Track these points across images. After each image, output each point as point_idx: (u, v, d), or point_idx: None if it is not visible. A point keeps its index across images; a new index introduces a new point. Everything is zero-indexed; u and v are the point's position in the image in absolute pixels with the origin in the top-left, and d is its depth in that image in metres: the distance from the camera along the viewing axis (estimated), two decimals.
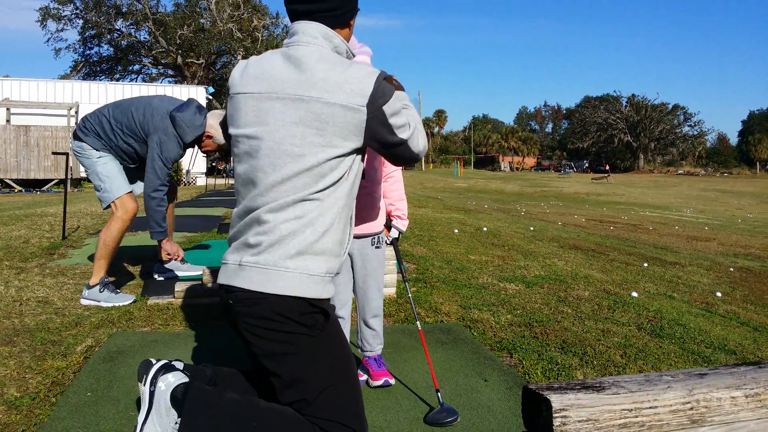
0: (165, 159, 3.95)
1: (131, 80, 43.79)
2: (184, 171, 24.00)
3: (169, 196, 4.36)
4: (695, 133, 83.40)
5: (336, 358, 1.87)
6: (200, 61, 41.04)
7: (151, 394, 1.92)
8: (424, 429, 2.45)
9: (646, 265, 7.64)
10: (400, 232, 2.97)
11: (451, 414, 2.49)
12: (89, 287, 4.08)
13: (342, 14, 1.94)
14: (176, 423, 1.87)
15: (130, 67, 45.08)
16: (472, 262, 6.27)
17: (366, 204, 2.67)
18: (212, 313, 3.91)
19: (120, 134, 4.01)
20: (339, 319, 2.74)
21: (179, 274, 4.68)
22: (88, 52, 42.36)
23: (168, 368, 1.97)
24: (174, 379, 1.92)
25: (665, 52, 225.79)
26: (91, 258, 5.55)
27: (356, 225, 2.69)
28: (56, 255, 5.63)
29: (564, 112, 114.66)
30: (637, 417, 1.10)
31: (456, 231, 8.98)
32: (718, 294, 6.17)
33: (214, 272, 4.04)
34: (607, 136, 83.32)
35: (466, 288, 4.95)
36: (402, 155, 1.94)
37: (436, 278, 5.21)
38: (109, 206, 4.13)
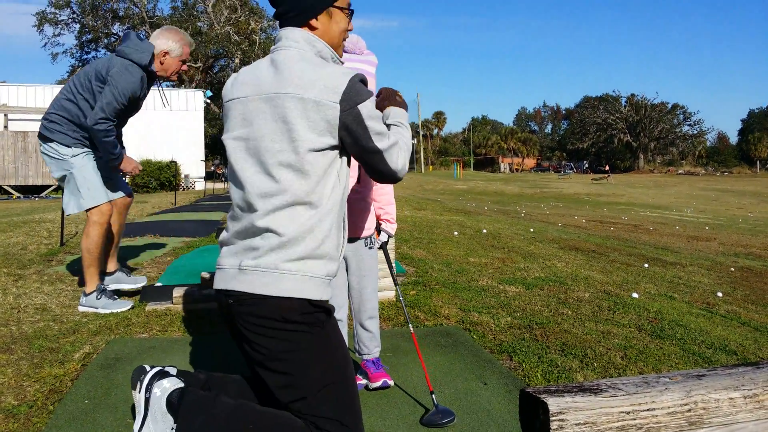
0: (119, 93, 3.74)
1: None
2: (183, 175, 24.01)
3: (118, 216, 4.25)
4: (695, 132, 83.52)
5: (335, 357, 1.88)
6: (198, 65, 41.07)
7: (147, 400, 1.93)
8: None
9: (646, 265, 7.62)
10: (389, 236, 2.97)
11: (446, 415, 2.49)
12: (86, 295, 4.06)
13: (296, 15, 1.96)
14: (172, 429, 1.88)
15: None
16: (471, 265, 6.26)
17: (360, 208, 2.73)
18: (211, 318, 3.89)
19: (88, 106, 3.86)
20: (338, 322, 2.74)
21: (122, 287, 4.39)
22: (85, 56, 42.45)
23: (162, 374, 1.98)
24: (169, 385, 1.94)
25: (664, 52, 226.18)
26: None
27: (350, 228, 2.70)
28: (54, 261, 5.62)
29: (563, 112, 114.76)
30: (634, 419, 1.09)
31: (456, 233, 8.98)
32: (719, 294, 6.16)
33: (213, 277, 4.02)
34: (607, 137, 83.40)
35: (465, 291, 4.94)
36: (378, 167, 1.91)
37: (436, 281, 5.20)
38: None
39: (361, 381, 2.82)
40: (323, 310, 1.87)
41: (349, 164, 1.97)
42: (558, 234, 10.62)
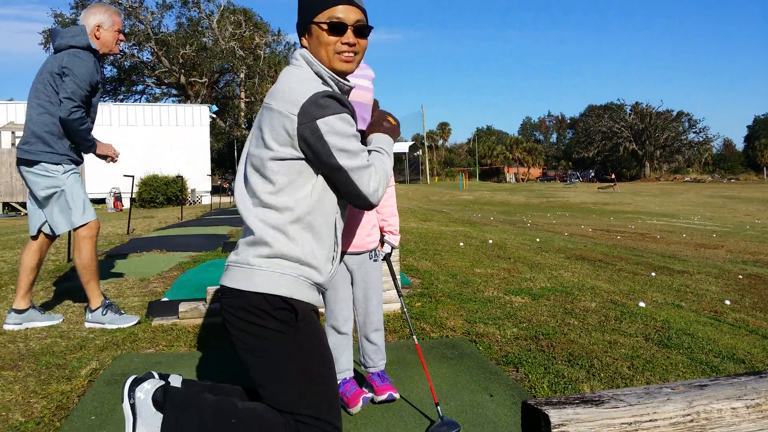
0: (80, 80, 3.76)
1: (135, 100, 44.16)
2: (189, 190, 24.10)
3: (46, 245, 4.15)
4: (701, 139, 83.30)
5: (310, 357, 1.92)
6: (203, 80, 41.30)
7: (132, 406, 1.97)
8: None
9: (653, 274, 7.59)
10: (392, 247, 2.98)
11: (452, 427, 2.49)
12: (91, 311, 4.06)
13: (298, 36, 2.05)
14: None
15: (134, 88, 45.40)
16: (477, 276, 6.25)
17: (364, 222, 2.75)
18: (217, 333, 3.90)
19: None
20: (342, 336, 2.74)
21: (36, 324, 4.07)
22: None
23: (139, 380, 2.02)
24: (150, 386, 1.99)
25: (668, 59, 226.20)
26: None
27: (355, 242, 2.72)
28: (61, 277, 5.64)
29: (568, 121, 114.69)
30: (636, 431, 1.09)
31: (461, 244, 8.97)
32: (727, 302, 6.13)
33: (219, 292, 4.03)
34: (612, 145, 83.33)
35: (471, 302, 4.93)
36: (346, 188, 1.91)
37: (441, 292, 5.19)
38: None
39: (367, 394, 2.80)
40: (296, 308, 1.90)
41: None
42: (564, 244, 10.59)
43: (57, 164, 3.92)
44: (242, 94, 44.33)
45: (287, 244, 1.89)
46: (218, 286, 3.99)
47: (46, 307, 4.54)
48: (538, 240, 10.70)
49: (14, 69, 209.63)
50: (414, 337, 2.88)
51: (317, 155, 1.85)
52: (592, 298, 5.41)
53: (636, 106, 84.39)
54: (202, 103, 34.61)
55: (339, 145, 1.83)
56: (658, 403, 1.12)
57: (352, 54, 1.98)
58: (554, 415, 1.08)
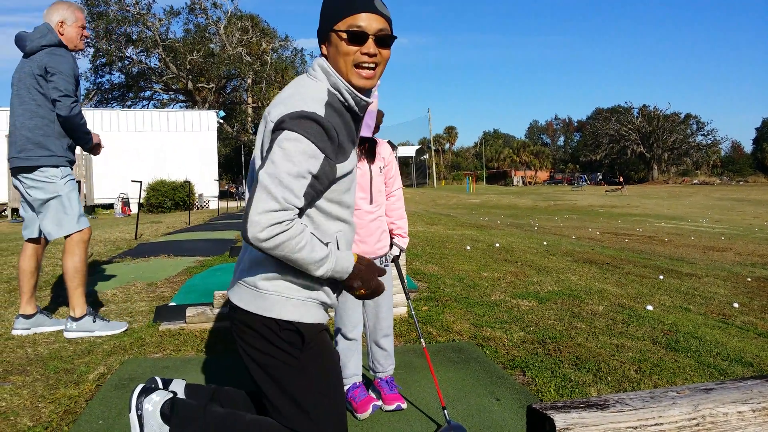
0: (66, 75, 3.78)
1: (143, 106, 44.35)
2: (197, 195, 24.19)
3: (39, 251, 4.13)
4: (709, 142, 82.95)
5: (317, 377, 1.89)
6: (210, 86, 41.49)
7: (140, 417, 1.96)
8: None
9: (661, 277, 7.56)
10: (401, 250, 2.98)
11: (459, 431, 2.49)
12: (75, 319, 3.97)
13: (319, 38, 1.90)
14: None
15: (142, 94, 45.67)
16: (484, 279, 6.24)
17: (374, 228, 2.75)
18: (224, 337, 3.91)
19: (49, 110, 3.84)
20: (351, 341, 2.73)
21: (44, 329, 4.11)
22: (99, 80, 43.01)
23: (148, 390, 2.01)
24: (159, 398, 1.98)
25: (676, 62, 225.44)
26: (104, 286, 5.59)
27: (365, 249, 2.72)
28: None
29: (575, 124, 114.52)
30: None
31: (468, 248, 8.96)
32: (735, 305, 6.09)
33: (226, 297, 4.04)
34: (620, 148, 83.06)
35: (478, 305, 4.93)
36: (249, 197, 1.73)
37: (448, 296, 5.19)
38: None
39: (377, 402, 2.80)
40: (303, 332, 1.85)
41: (324, 191, 1.84)
42: (572, 247, 10.56)
43: (56, 167, 3.89)
44: (249, 100, 44.52)
45: (293, 267, 1.81)
46: (225, 291, 4.01)
47: (53, 311, 4.56)
48: (545, 243, 10.68)
49: None
50: (422, 340, 2.88)
51: (262, 159, 1.74)
52: (599, 301, 5.39)
53: (643, 109, 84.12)
54: (209, 108, 34.77)
55: (276, 159, 1.68)
56: (664, 407, 1.11)
57: (372, 65, 1.83)
58: (559, 419, 1.07)
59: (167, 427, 1.93)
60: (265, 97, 41.25)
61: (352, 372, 2.77)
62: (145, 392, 2.01)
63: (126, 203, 22.04)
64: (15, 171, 3.92)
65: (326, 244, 1.82)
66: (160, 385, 2.09)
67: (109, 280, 5.93)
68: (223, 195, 29.22)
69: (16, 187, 4.00)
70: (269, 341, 1.85)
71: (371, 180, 2.74)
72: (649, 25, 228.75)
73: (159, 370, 3.34)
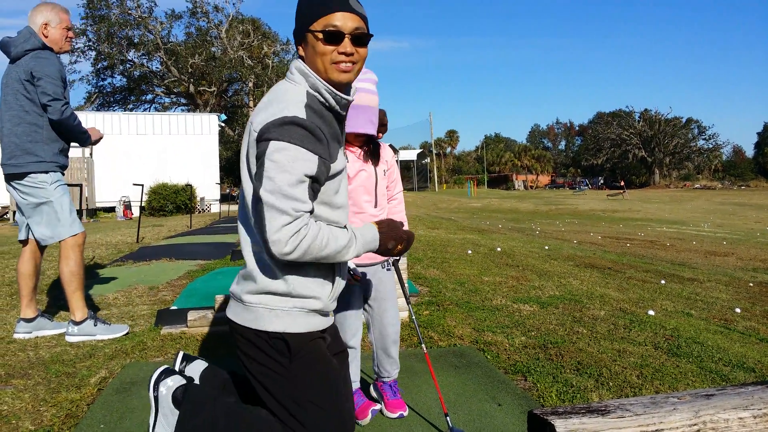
0: (53, 78, 3.75)
1: (144, 110, 44.42)
2: (198, 198, 24.20)
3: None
4: (710, 146, 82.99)
5: (309, 385, 1.90)
6: (212, 89, 41.53)
7: (155, 399, 2.09)
8: None
9: (663, 282, 7.55)
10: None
11: None
12: (76, 323, 3.97)
13: (296, 45, 1.92)
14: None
15: (143, 97, 45.72)
16: (485, 284, 6.24)
17: None
18: (225, 341, 3.91)
19: (37, 115, 3.83)
20: (351, 350, 2.69)
21: (46, 333, 4.13)
22: (101, 83, 43.02)
23: (168, 372, 2.13)
24: (173, 383, 2.09)
25: (677, 66, 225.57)
26: (106, 289, 5.59)
27: (371, 253, 2.66)
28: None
29: (577, 128, 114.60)
30: None
31: (469, 252, 8.96)
32: (737, 310, 6.08)
33: (227, 301, 4.05)
34: (621, 152, 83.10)
35: (479, 310, 4.93)
36: (259, 222, 1.75)
37: (449, 301, 5.19)
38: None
39: (376, 406, 2.78)
40: (289, 342, 1.87)
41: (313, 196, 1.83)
42: (573, 251, 10.56)
43: (45, 173, 3.88)
44: (251, 103, 44.52)
45: (274, 278, 1.85)
46: (227, 295, 4.01)
47: (56, 315, 4.56)
48: (546, 248, 10.67)
49: None
50: (423, 345, 2.82)
51: (255, 173, 1.75)
52: (601, 306, 5.39)
53: (645, 113, 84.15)
54: (210, 112, 34.77)
55: (271, 174, 1.70)
56: (665, 413, 1.12)
57: (350, 64, 1.84)
58: (560, 425, 1.08)
59: (178, 412, 2.01)
60: None
61: (350, 379, 2.75)
62: (165, 374, 2.11)
63: (128, 206, 22.06)
64: (7, 177, 3.93)
65: (345, 227, 1.89)
66: (179, 364, 2.29)
67: (110, 283, 5.93)
68: (224, 198, 29.22)
69: (9, 193, 4.00)
70: (261, 350, 1.89)
71: (377, 183, 2.69)
72: (651, 28, 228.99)
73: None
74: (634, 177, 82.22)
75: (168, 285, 5.84)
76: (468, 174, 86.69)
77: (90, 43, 39.22)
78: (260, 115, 1.78)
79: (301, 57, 1.90)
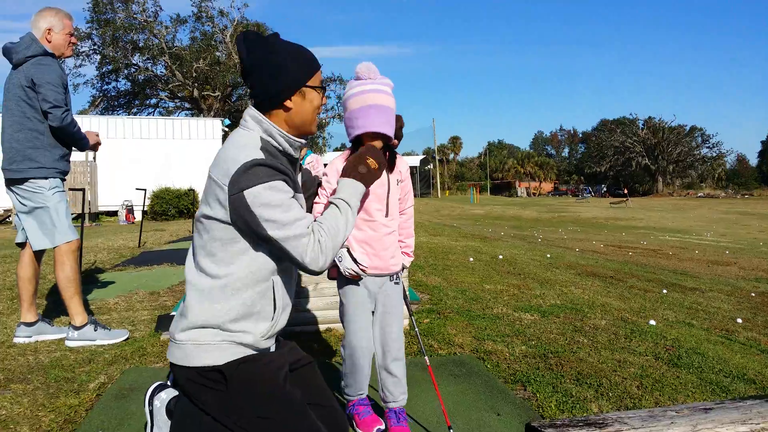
0: (53, 85, 3.77)
1: (148, 114, 44.46)
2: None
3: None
4: (714, 154, 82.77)
5: (254, 410, 1.90)
6: (216, 94, 41.58)
7: (151, 413, 2.15)
8: None
9: (665, 291, 7.53)
10: (404, 267, 2.90)
11: None
12: (76, 328, 3.98)
13: (270, 99, 1.98)
14: None
15: (148, 101, 45.76)
16: (487, 292, 6.23)
17: (389, 243, 2.65)
18: None
19: (38, 121, 3.85)
20: (360, 365, 2.60)
21: (47, 337, 4.14)
22: (105, 87, 43.07)
23: (162, 387, 2.20)
24: (166, 396, 2.15)
25: (681, 74, 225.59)
26: (106, 294, 5.60)
27: (379, 264, 2.62)
28: None
29: (580, 136, 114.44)
30: None
31: (471, 259, 8.95)
32: (739, 320, 6.06)
33: None
34: (625, 160, 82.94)
35: (480, 318, 4.91)
36: (284, 255, 1.90)
37: (450, 309, 5.18)
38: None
39: (381, 425, 2.66)
40: (224, 372, 1.90)
41: (266, 252, 1.96)
42: (575, 260, 10.54)
43: (44, 179, 3.89)
44: None
45: (207, 311, 1.90)
46: None
47: (57, 320, 4.56)
48: (548, 256, 10.66)
49: None
50: (426, 358, 2.75)
51: (248, 225, 1.86)
52: (602, 315, 5.37)
53: (648, 121, 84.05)
54: (215, 116, 34.87)
55: (266, 216, 1.82)
56: (663, 427, 1.11)
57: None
58: None
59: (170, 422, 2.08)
60: None
61: (358, 389, 2.67)
62: (159, 389, 2.18)
63: (130, 211, 22.08)
64: (7, 182, 3.95)
65: (329, 205, 2.03)
66: (172, 378, 2.26)
67: (111, 288, 5.94)
68: None
69: (9, 197, 4.01)
70: (198, 385, 1.91)
71: (389, 191, 2.63)
72: (656, 36, 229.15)
73: (160, 379, 3.33)
74: (638, 185, 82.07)
75: (169, 290, 5.84)
76: (471, 180, 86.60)
77: (95, 47, 39.35)
78: (219, 167, 1.88)
79: (288, 109, 2.00)
